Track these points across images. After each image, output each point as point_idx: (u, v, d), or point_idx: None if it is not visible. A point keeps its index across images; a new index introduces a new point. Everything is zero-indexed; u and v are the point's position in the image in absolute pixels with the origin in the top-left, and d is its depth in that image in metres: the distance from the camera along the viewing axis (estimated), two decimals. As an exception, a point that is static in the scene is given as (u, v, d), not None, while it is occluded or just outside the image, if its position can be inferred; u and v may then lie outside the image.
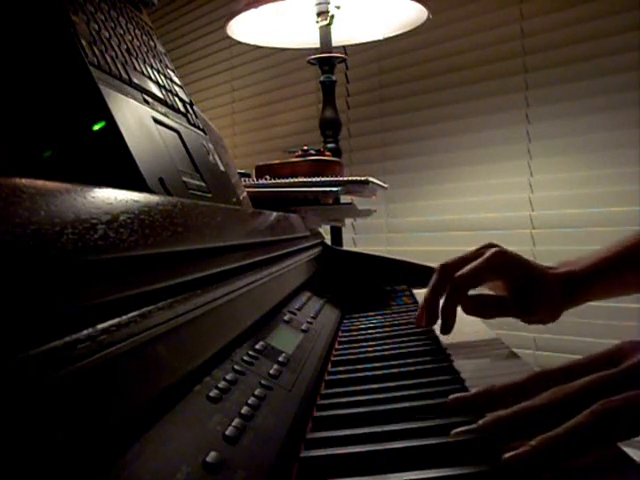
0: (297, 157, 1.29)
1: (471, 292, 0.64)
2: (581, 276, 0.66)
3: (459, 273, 0.63)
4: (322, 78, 1.54)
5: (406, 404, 0.43)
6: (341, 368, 0.56)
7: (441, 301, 0.64)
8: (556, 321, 0.67)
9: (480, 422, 0.36)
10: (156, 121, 0.52)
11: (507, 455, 0.32)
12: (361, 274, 1.05)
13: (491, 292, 0.68)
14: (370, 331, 0.72)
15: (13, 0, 0.42)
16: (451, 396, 0.42)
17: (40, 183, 0.24)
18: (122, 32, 0.56)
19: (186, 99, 0.68)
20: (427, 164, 1.90)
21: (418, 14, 1.54)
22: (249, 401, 0.35)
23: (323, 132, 1.54)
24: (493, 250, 0.64)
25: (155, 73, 0.59)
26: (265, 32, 1.66)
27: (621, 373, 0.35)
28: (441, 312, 0.63)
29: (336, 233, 1.55)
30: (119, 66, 0.49)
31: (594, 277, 0.67)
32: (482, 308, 0.65)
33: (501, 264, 0.64)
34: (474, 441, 0.35)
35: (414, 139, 1.94)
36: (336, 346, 0.66)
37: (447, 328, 0.62)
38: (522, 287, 0.64)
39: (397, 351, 0.60)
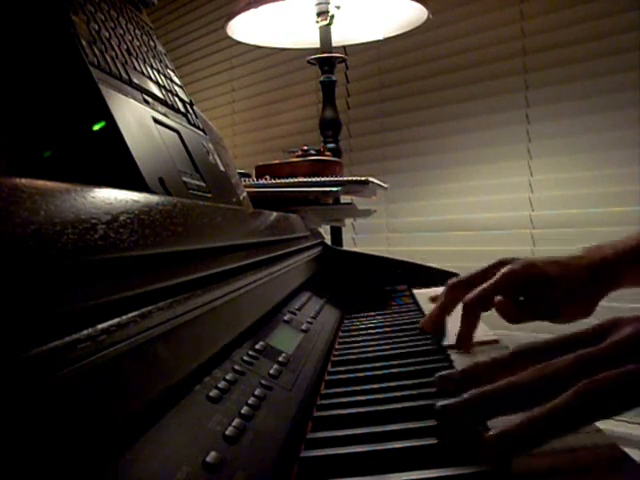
0: (297, 157, 1.29)
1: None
2: (614, 261, 0.62)
3: (469, 297, 0.62)
4: (322, 78, 1.53)
5: (406, 404, 0.43)
6: (341, 368, 0.56)
7: (449, 318, 0.63)
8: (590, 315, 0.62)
9: (465, 395, 0.36)
10: (156, 121, 0.52)
11: (490, 433, 0.32)
12: (361, 274, 1.05)
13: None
14: (370, 331, 0.72)
15: (13, 0, 0.42)
16: (437, 374, 0.42)
17: (40, 183, 0.24)
18: (122, 32, 0.56)
19: (186, 99, 0.68)
20: (427, 164, 1.89)
21: (418, 14, 1.55)
22: (249, 401, 0.35)
23: (323, 132, 1.54)
24: (502, 272, 0.62)
25: (155, 73, 0.59)
26: (265, 32, 1.66)
27: (605, 350, 0.36)
28: (458, 335, 0.61)
29: (336, 233, 1.55)
30: (119, 66, 0.49)
31: (629, 261, 0.62)
32: (507, 315, 0.62)
33: (511, 285, 0.62)
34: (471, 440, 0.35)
35: (414, 139, 1.93)
36: (336, 346, 0.66)
37: (464, 346, 0.61)
38: (541, 298, 0.61)
39: (397, 351, 0.60)
